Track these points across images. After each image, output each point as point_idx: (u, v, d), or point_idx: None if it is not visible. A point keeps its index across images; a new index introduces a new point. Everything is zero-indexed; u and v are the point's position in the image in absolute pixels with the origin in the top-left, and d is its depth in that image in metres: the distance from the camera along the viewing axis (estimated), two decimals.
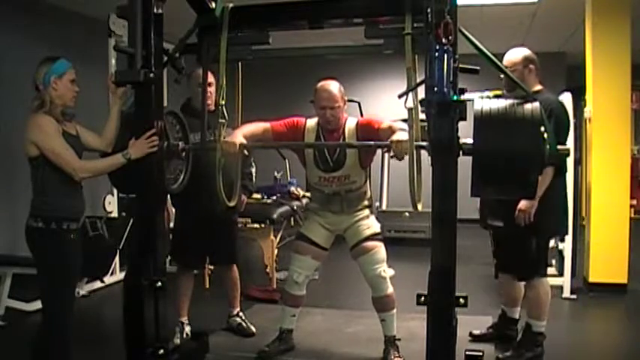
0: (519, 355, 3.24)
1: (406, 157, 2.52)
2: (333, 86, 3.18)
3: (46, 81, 2.54)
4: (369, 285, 3.28)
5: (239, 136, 3.00)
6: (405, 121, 2.51)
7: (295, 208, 5.27)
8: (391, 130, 2.88)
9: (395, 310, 3.28)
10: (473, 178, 2.40)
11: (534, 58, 3.19)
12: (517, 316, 3.56)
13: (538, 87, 3.22)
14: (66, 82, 2.59)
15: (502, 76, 3.20)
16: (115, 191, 5.24)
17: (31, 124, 2.53)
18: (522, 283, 3.40)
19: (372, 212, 3.42)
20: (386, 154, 6.71)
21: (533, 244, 3.20)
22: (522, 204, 3.10)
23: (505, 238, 3.31)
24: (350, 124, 3.25)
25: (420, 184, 2.58)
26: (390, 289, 3.26)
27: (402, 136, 2.71)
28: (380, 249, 3.26)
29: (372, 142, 3.09)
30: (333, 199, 3.30)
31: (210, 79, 3.28)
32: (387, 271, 3.26)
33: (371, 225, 3.33)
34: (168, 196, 3.58)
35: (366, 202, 3.38)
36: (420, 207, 2.53)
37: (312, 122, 3.29)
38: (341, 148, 3.21)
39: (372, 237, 3.28)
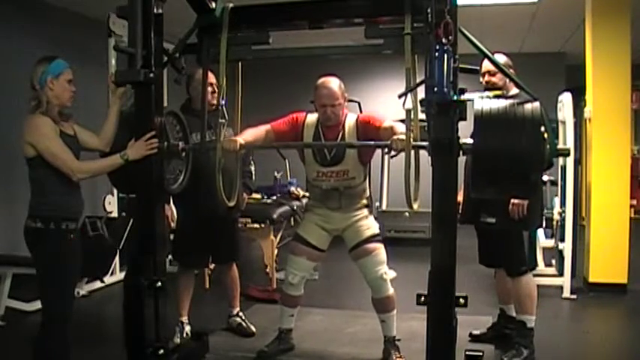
0: (519, 353, 3.25)
1: (403, 157, 2.52)
2: (334, 83, 3.17)
3: (43, 81, 2.53)
4: (369, 287, 3.28)
5: (240, 139, 3.01)
6: (403, 121, 2.52)
7: (295, 208, 5.26)
8: (392, 132, 2.88)
9: (395, 311, 3.28)
10: (473, 178, 2.40)
11: (511, 64, 3.25)
12: (514, 313, 3.57)
13: (516, 90, 3.25)
14: (63, 82, 2.58)
15: (481, 79, 3.32)
16: (115, 191, 5.24)
17: (28, 125, 2.52)
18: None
19: (370, 212, 3.40)
20: (386, 155, 6.74)
21: (523, 238, 3.32)
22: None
23: (493, 233, 3.33)
24: (350, 120, 3.24)
25: (418, 185, 2.58)
26: (391, 291, 3.26)
27: (403, 136, 2.72)
28: (381, 251, 3.25)
29: (371, 142, 3.09)
30: (332, 194, 3.27)
31: (213, 79, 3.29)
32: (388, 273, 3.26)
33: (370, 226, 3.31)
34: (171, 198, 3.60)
35: (364, 201, 3.35)
36: (415, 206, 2.53)
37: (312, 117, 3.29)
38: (339, 140, 3.20)
39: (372, 238, 3.27)
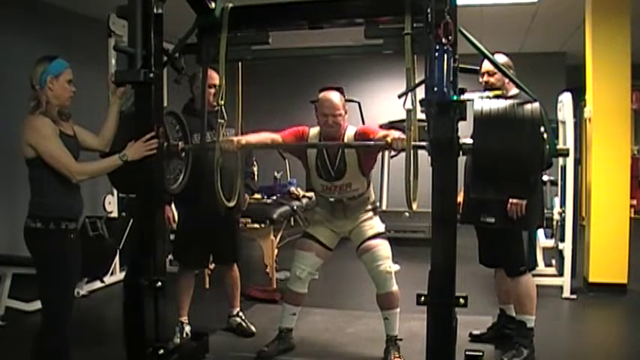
0: (519, 353, 3.25)
1: (403, 157, 2.52)
2: (334, 96, 3.26)
3: (42, 81, 2.52)
4: (374, 282, 3.29)
5: (243, 139, 3.03)
6: (403, 121, 2.52)
7: (295, 208, 5.26)
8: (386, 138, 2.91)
9: (398, 309, 3.29)
10: (472, 178, 2.41)
11: (511, 64, 3.25)
12: (514, 313, 3.57)
13: (516, 90, 3.24)
14: (62, 82, 2.57)
15: (480, 79, 3.32)
16: (115, 191, 5.24)
17: (27, 126, 2.51)
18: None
19: (375, 214, 3.45)
20: (386, 156, 6.74)
21: (522, 238, 3.32)
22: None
23: (493, 233, 3.33)
24: (349, 132, 3.32)
25: (416, 185, 2.59)
26: (395, 287, 3.27)
27: (400, 135, 2.78)
28: (383, 246, 3.29)
29: (371, 142, 3.11)
30: (336, 205, 3.37)
31: (216, 80, 3.29)
32: (392, 267, 3.27)
33: (375, 225, 3.37)
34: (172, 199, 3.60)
35: (369, 207, 3.44)
36: (414, 207, 2.54)
37: (314, 130, 3.37)
38: (341, 159, 3.27)
39: (376, 236, 3.31)
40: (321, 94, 3.30)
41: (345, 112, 3.29)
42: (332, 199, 3.36)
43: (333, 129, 3.25)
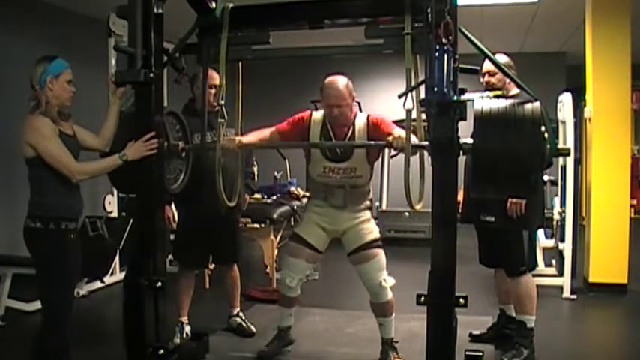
0: (519, 353, 3.25)
1: (403, 157, 2.52)
2: (341, 83, 3.06)
3: (42, 81, 2.52)
4: (369, 291, 3.21)
5: (244, 139, 3.01)
6: (403, 121, 2.52)
7: (295, 208, 5.26)
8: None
9: (393, 315, 3.24)
10: (472, 178, 2.41)
11: (512, 65, 3.25)
12: (514, 313, 3.57)
13: (516, 90, 3.23)
14: (62, 82, 2.57)
15: (481, 79, 3.32)
16: (115, 191, 5.24)
17: (27, 126, 2.51)
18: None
19: (372, 214, 3.37)
20: (386, 155, 6.74)
21: (522, 237, 3.32)
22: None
23: (493, 233, 3.33)
24: (360, 120, 3.16)
25: (423, 185, 2.58)
26: (390, 295, 3.19)
27: (402, 133, 2.72)
28: (381, 256, 3.18)
29: (372, 142, 3.07)
30: (337, 192, 3.19)
31: (217, 80, 3.28)
32: (388, 280, 3.17)
33: (372, 230, 3.24)
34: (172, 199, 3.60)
35: (368, 203, 3.32)
36: (419, 207, 2.53)
37: (318, 114, 3.21)
38: (350, 139, 3.12)
39: (373, 243, 3.19)
40: (326, 81, 3.09)
41: (353, 100, 3.11)
42: (333, 184, 3.18)
43: (340, 120, 3.09)
